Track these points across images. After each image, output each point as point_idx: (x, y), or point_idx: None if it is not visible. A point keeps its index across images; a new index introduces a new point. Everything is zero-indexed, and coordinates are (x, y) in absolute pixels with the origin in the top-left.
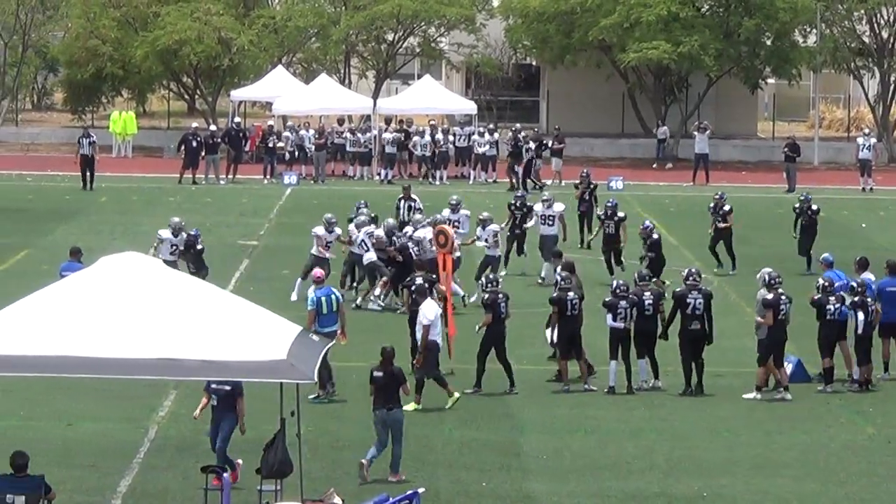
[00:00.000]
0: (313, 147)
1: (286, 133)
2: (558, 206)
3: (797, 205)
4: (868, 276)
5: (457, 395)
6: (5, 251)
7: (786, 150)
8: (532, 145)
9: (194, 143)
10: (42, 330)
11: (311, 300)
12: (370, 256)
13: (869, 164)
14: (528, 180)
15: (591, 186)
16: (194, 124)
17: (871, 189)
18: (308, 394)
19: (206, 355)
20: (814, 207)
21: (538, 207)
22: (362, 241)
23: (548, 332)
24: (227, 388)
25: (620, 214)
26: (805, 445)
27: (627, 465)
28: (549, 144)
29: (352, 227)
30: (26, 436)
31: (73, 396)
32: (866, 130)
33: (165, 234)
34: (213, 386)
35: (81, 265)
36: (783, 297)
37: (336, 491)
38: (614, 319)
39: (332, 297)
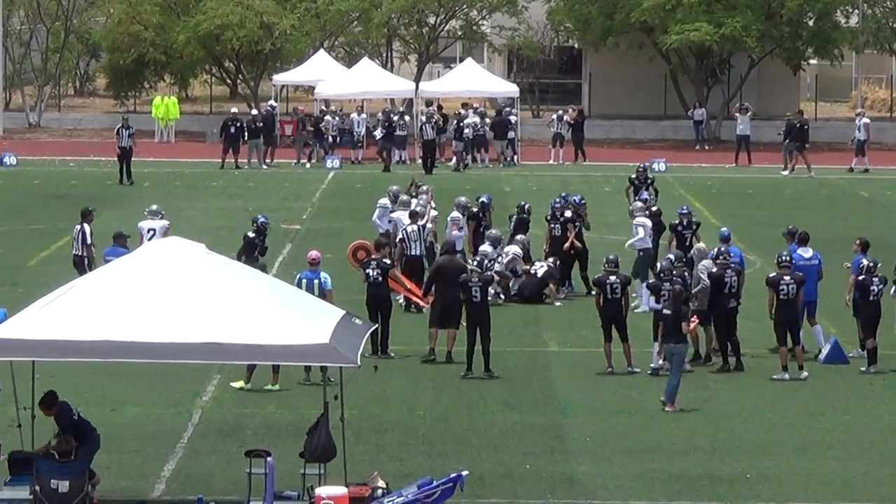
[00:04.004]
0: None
1: (327, 117)
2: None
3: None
4: None
5: (243, 382)
6: (49, 237)
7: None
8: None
9: (233, 129)
10: (86, 315)
11: (296, 279)
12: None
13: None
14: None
15: (649, 181)
16: (233, 109)
17: (867, 170)
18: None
19: (250, 339)
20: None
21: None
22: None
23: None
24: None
25: (567, 214)
26: (849, 426)
27: (671, 446)
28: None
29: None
30: None
31: (117, 381)
32: (860, 110)
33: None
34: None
35: (125, 250)
36: (786, 278)
37: (380, 474)
38: (657, 302)
39: (316, 281)
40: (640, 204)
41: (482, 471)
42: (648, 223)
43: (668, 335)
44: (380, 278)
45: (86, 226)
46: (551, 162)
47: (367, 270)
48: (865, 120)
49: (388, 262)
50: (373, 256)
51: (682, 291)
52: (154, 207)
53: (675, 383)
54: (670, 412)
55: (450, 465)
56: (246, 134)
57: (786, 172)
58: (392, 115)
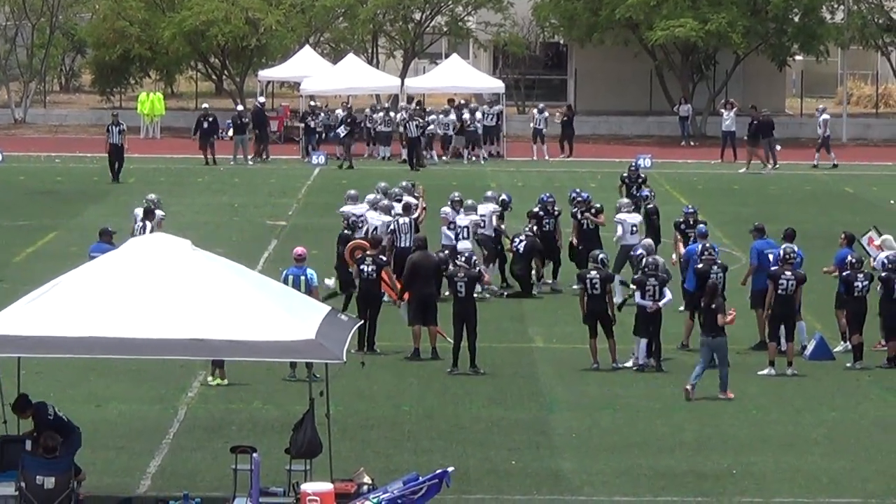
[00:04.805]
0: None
1: (321, 114)
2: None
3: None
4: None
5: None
6: (34, 233)
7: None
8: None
9: (205, 125)
10: (71, 311)
11: (282, 276)
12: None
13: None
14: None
15: (640, 179)
16: (204, 105)
17: (835, 165)
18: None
19: (235, 335)
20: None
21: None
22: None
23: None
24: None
25: (558, 209)
26: (835, 422)
27: (657, 442)
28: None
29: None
30: None
31: (102, 377)
32: (821, 106)
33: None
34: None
35: (111, 246)
36: (787, 273)
37: (365, 470)
38: (643, 297)
39: (303, 277)
40: (625, 201)
41: (468, 467)
42: (629, 219)
43: (706, 328)
44: (374, 274)
45: (147, 223)
46: (534, 158)
47: (362, 266)
48: (825, 116)
49: (383, 258)
50: (368, 252)
51: (717, 285)
52: (152, 196)
53: (725, 372)
54: (728, 398)
55: (435, 461)
56: (231, 129)
57: (767, 169)
58: (355, 113)
